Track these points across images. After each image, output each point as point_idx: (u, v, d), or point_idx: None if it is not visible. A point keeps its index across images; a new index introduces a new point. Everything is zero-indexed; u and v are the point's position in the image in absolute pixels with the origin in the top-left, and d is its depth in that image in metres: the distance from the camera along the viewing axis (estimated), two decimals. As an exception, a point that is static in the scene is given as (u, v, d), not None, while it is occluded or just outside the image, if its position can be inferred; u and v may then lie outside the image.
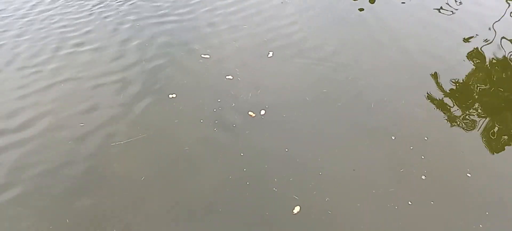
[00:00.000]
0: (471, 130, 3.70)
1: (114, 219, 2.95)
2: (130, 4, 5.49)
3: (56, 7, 5.41)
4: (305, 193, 3.09)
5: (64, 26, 5.03)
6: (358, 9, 5.50)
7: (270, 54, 4.53)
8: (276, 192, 3.11)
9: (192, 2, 5.54)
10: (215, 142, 3.53)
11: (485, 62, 4.58)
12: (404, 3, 5.69)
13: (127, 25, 5.06)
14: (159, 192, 3.15)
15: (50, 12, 5.30)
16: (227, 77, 4.24)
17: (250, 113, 3.78)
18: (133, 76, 4.27)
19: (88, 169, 3.31)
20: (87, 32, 4.96)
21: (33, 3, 5.50)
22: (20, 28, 5.00)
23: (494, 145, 3.58)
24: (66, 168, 3.32)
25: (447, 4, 5.65)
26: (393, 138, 3.55)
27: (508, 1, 5.77)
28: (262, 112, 3.80)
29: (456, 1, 5.69)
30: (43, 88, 4.11)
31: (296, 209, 2.98)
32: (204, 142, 3.53)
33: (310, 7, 5.54)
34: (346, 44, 4.79)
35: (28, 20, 5.15)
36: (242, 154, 3.41)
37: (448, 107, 3.94)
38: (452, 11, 5.47)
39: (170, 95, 4.00)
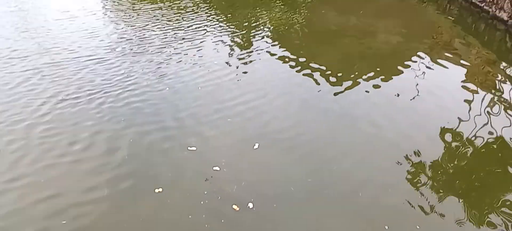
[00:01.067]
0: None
1: None
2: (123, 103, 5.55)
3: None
4: None
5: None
6: (333, 96, 5.83)
7: (256, 145, 4.61)
8: None
9: (177, 97, 5.68)
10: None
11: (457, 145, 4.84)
12: (367, 91, 6.04)
13: (112, 121, 5.10)
14: None
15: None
16: (214, 168, 4.25)
17: (234, 207, 3.74)
18: (120, 171, 4.20)
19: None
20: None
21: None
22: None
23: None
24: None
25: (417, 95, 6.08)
26: (386, 228, 3.58)
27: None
28: (250, 205, 3.77)
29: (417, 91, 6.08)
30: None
31: None
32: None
33: (290, 100, 5.79)
34: (331, 137, 4.95)
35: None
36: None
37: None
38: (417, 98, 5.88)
39: (156, 190, 3.93)
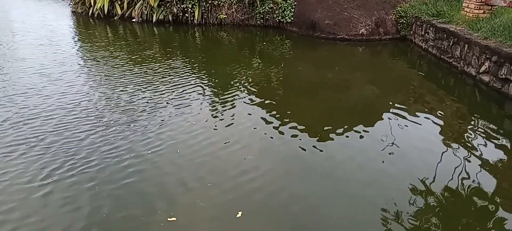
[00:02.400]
0: None
1: None
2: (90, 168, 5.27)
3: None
4: None
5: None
6: (311, 154, 5.77)
7: (239, 214, 4.38)
8: None
9: (157, 159, 5.45)
10: None
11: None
12: (346, 148, 6.04)
13: (83, 186, 4.78)
14: None
15: None
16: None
17: None
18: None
19: None
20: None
21: None
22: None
23: None
24: None
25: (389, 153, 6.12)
26: None
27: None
28: None
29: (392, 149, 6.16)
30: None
31: None
32: None
33: (271, 161, 5.69)
34: (311, 197, 4.83)
35: None
36: None
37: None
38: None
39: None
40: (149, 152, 5.58)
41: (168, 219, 4.27)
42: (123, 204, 4.50)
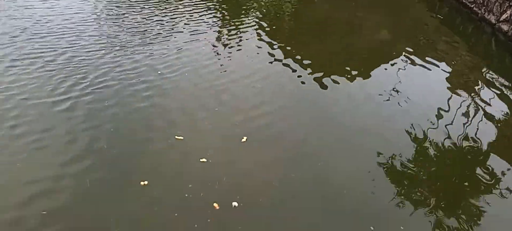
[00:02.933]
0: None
1: None
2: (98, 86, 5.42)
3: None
4: None
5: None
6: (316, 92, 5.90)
7: (244, 139, 4.65)
8: None
9: (167, 85, 5.60)
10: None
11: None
12: (349, 89, 6.11)
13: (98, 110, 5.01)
14: None
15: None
16: (200, 160, 4.27)
17: (215, 204, 3.75)
18: (103, 163, 4.16)
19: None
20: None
21: None
22: None
23: None
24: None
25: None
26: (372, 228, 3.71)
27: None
28: (234, 204, 3.79)
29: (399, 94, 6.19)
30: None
31: None
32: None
33: (279, 91, 5.84)
34: (315, 131, 5.04)
35: None
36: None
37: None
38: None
39: (142, 182, 3.93)
40: (162, 76, 5.75)
41: (176, 137, 4.55)
42: (136, 124, 4.79)
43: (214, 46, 6.93)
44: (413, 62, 7.24)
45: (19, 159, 4.06)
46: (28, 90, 5.12)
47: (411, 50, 7.74)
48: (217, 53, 6.70)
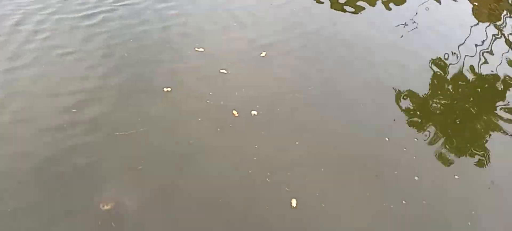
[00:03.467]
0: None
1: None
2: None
3: None
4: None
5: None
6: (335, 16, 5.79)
7: (263, 53, 4.68)
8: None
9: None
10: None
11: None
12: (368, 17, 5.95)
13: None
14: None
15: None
16: (221, 71, 4.36)
17: (234, 112, 3.90)
18: (127, 69, 4.28)
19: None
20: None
21: None
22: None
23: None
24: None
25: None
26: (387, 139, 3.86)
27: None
28: (254, 112, 3.94)
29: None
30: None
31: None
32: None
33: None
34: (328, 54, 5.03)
35: None
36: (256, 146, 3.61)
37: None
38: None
39: (165, 89, 4.06)
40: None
41: (196, 49, 4.61)
42: (160, 36, 4.86)
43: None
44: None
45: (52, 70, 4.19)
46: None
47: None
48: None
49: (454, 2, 6.76)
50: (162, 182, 3.26)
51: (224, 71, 4.35)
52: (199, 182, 3.29)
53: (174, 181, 3.27)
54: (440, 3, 6.60)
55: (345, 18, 5.77)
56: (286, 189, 3.31)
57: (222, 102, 4.00)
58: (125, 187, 3.19)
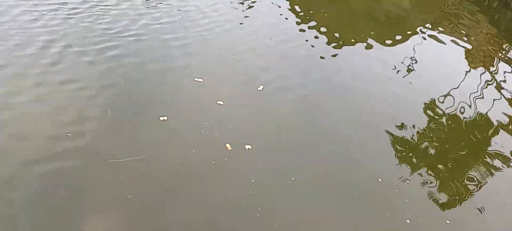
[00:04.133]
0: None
1: None
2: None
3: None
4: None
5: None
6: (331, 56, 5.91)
7: (260, 87, 4.76)
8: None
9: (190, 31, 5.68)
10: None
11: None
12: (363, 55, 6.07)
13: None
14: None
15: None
16: (217, 102, 4.41)
17: (227, 145, 3.90)
18: (125, 98, 4.33)
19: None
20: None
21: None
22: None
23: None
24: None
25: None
26: (380, 180, 3.88)
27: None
28: (248, 147, 3.93)
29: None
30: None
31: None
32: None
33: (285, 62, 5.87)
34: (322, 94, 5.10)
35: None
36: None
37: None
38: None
39: (161, 118, 4.09)
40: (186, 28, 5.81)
41: (195, 79, 4.69)
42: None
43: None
44: (434, 35, 7.13)
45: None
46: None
47: (433, 23, 7.64)
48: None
49: (446, 46, 6.93)
50: (152, 209, 3.24)
51: (220, 102, 4.40)
52: (190, 212, 3.28)
53: (165, 209, 3.26)
54: (433, 42, 6.80)
55: (337, 62, 5.87)
56: (276, 225, 3.29)
57: (216, 135, 4.02)
58: (115, 217, 3.16)
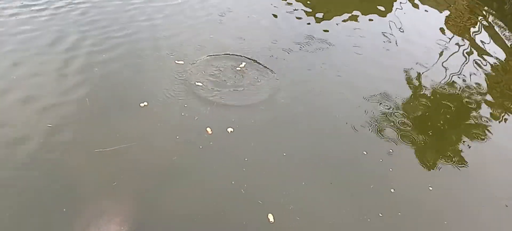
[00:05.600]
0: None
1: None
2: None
3: None
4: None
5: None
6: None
7: (243, 64, 4.75)
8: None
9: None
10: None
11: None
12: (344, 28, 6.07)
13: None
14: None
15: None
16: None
17: (208, 129, 3.86)
18: (109, 83, 4.26)
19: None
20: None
21: None
22: None
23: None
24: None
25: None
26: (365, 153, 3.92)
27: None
28: (229, 129, 3.89)
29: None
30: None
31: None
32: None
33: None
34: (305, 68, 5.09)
35: None
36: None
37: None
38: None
39: (141, 104, 4.03)
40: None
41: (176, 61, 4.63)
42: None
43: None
44: (417, 5, 7.14)
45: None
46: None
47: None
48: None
49: (427, 12, 6.95)
50: (143, 196, 3.23)
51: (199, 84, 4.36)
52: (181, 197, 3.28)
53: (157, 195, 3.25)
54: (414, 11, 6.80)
55: (320, 32, 5.86)
56: (259, 201, 3.31)
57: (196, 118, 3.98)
58: (107, 206, 3.12)
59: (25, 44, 4.63)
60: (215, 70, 4.59)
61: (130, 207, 3.13)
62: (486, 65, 5.72)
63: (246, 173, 3.52)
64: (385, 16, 6.66)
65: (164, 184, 3.35)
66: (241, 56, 4.88)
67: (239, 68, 4.66)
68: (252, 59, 4.85)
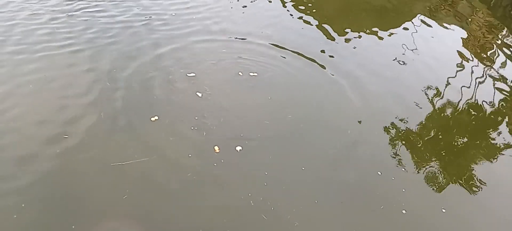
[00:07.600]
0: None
1: None
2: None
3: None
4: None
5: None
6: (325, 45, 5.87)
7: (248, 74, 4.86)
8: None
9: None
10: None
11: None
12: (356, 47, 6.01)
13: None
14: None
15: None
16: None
17: (215, 148, 3.85)
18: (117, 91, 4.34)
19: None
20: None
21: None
22: None
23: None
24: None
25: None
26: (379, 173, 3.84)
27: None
28: (238, 148, 3.87)
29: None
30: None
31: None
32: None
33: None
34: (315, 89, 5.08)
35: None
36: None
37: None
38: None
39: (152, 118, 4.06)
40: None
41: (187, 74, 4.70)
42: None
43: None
44: (431, 23, 7.08)
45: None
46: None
47: (432, 10, 7.55)
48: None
49: (445, 32, 6.87)
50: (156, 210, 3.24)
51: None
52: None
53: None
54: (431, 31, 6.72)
55: (333, 47, 5.85)
56: (263, 217, 3.28)
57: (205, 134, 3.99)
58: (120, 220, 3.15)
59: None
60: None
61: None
62: (503, 87, 5.60)
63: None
64: (400, 33, 6.64)
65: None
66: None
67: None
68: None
